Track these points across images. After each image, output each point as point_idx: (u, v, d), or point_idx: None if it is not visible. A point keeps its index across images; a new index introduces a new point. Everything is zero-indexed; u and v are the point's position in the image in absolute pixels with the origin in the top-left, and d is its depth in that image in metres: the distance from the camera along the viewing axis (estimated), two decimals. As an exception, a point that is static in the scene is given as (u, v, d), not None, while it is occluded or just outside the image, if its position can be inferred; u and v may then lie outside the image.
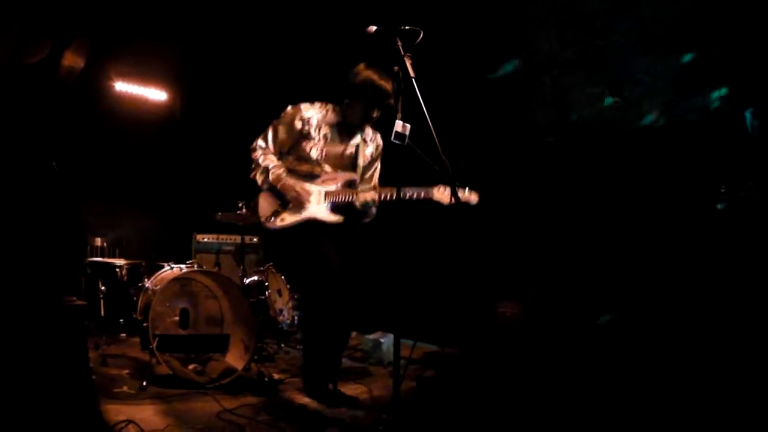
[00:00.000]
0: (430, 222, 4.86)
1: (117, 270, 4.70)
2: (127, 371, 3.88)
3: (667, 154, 4.20)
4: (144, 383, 3.47)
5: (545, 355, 3.88)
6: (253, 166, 3.54)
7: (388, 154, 3.56)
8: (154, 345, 3.56)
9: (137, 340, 3.91)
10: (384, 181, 3.67)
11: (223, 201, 4.69)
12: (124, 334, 4.55)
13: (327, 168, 3.52)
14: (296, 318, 4.65)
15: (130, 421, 2.73)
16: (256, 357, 3.90)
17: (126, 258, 5.17)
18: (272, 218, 3.47)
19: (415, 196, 3.20)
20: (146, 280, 4.07)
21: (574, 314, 4.28)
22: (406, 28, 2.60)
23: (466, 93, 5.06)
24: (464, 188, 3.21)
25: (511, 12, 4.93)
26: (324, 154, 3.51)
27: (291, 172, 3.50)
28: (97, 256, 5.34)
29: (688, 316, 3.69)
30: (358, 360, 4.55)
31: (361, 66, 3.41)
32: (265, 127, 3.58)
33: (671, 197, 4.13)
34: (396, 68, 2.60)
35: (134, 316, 3.94)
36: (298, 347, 4.68)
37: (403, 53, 2.57)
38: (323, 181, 3.49)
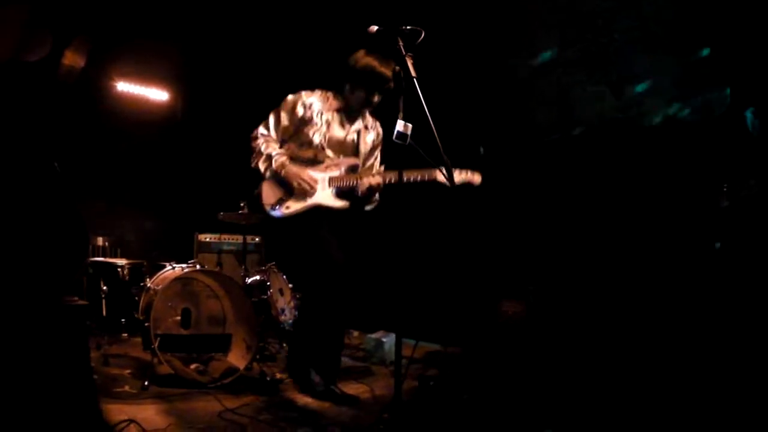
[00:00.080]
0: (432, 221, 4.87)
1: (119, 270, 4.70)
2: (128, 371, 3.88)
3: (670, 153, 4.20)
4: (146, 383, 3.47)
5: (548, 355, 3.88)
6: (255, 154, 3.51)
7: (389, 152, 3.56)
8: (156, 345, 3.56)
9: (139, 339, 3.92)
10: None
11: (224, 201, 4.69)
12: (125, 334, 4.56)
13: (330, 153, 3.51)
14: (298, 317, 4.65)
15: (131, 421, 2.74)
16: (257, 356, 3.90)
17: (128, 258, 5.18)
18: (277, 206, 3.45)
19: (419, 178, 3.19)
20: (148, 279, 4.07)
21: (577, 313, 4.28)
22: (408, 28, 2.59)
23: (468, 92, 5.06)
24: (466, 170, 3.22)
25: (512, 11, 4.93)
26: (327, 139, 3.50)
27: (293, 159, 3.49)
28: (98, 256, 5.34)
29: (691, 315, 3.68)
30: (360, 359, 4.55)
31: (361, 52, 3.40)
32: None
33: (674, 196, 4.12)
34: (397, 68, 2.60)
35: (136, 315, 3.94)
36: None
37: (404, 53, 2.57)
38: (326, 167, 3.48)
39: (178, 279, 3.80)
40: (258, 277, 4.59)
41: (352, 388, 3.63)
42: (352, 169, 3.51)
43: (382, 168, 3.64)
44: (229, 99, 6.45)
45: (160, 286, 3.74)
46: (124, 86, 6.44)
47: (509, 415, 2.99)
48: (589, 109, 4.70)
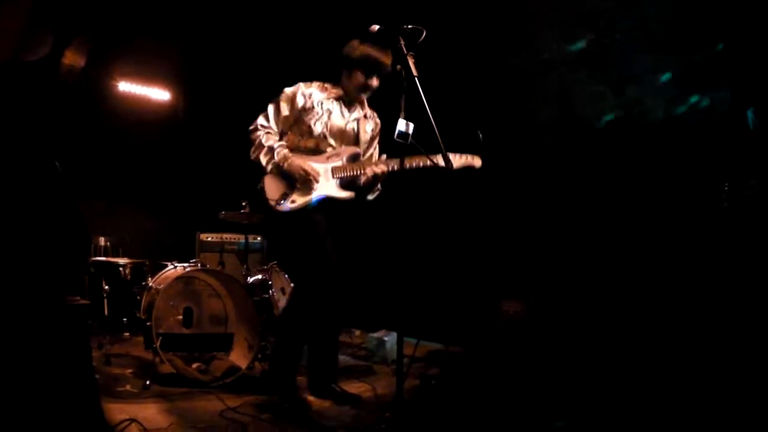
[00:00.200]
0: (433, 221, 4.88)
1: (120, 269, 4.70)
2: (130, 370, 3.89)
3: (671, 153, 4.20)
4: (147, 382, 3.48)
5: (549, 354, 3.88)
6: (255, 146, 3.42)
7: (390, 151, 3.55)
8: (158, 344, 3.56)
9: (141, 339, 3.92)
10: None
11: (226, 200, 4.69)
12: (127, 333, 4.55)
13: (331, 141, 3.48)
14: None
15: (133, 420, 2.74)
16: (259, 356, 3.90)
17: (129, 257, 5.18)
18: (282, 201, 3.36)
19: (421, 164, 3.15)
20: (150, 279, 4.07)
21: (578, 313, 4.28)
22: (409, 27, 2.60)
23: (469, 92, 5.05)
24: (465, 154, 3.21)
25: (514, 11, 4.93)
26: (328, 127, 3.46)
27: (294, 149, 3.43)
28: (100, 256, 5.34)
29: (692, 313, 3.68)
30: (362, 358, 4.56)
31: (356, 42, 3.39)
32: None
33: (675, 195, 4.12)
34: (398, 67, 2.60)
35: (138, 315, 3.95)
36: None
37: (405, 52, 2.57)
38: (328, 158, 3.43)
39: (179, 278, 3.81)
40: (260, 276, 4.59)
41: (353, 387, 3.64)
42: (354, 158, 3.46)
43: (384, 156, 3.61)
44: (231, 99, 6.44)
45: (161, 286, 3.75)
46: (125, 86, 6.45)
47: (511, 414, 2.99)
48: (590, 109, 4.70)
